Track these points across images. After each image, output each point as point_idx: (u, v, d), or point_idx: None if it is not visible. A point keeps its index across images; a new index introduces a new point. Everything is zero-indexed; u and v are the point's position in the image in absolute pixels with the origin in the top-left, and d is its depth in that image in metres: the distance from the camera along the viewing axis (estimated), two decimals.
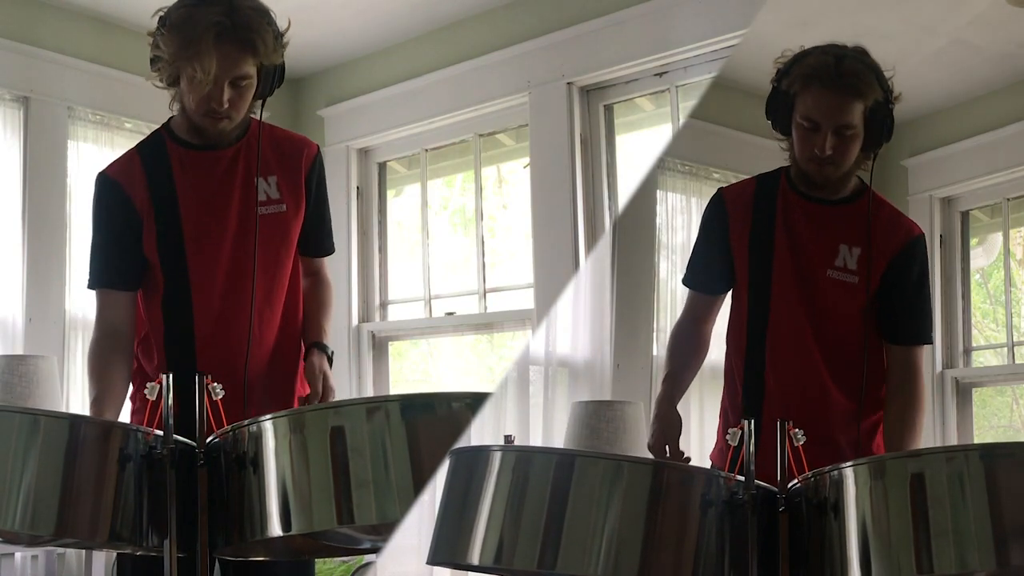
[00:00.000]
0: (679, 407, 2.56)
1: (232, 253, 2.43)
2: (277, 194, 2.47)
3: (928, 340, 2.50)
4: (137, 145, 2.51)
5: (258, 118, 2.47)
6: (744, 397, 2.49)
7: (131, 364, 2.46)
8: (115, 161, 2.51)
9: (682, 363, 2.62)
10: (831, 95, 2.37)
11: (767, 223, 2.49)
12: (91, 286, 2.48)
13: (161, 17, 2.35)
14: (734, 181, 3.35)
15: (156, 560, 2.11)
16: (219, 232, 2.43)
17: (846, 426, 2.42)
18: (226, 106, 2.34)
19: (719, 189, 2.60)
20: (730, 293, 2.59)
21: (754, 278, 2.49)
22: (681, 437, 2.58)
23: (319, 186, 2.58)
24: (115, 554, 2.49)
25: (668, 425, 2.50)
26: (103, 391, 2.39)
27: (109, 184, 2.45)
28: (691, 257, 2.67)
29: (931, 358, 3.95)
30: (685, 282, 2.67)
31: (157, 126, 2.53)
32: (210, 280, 2.43)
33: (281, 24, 2.42)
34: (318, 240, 2.61)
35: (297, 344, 2.56)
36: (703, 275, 2.63)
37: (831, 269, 2.44)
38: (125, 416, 2.48)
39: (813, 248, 2.46)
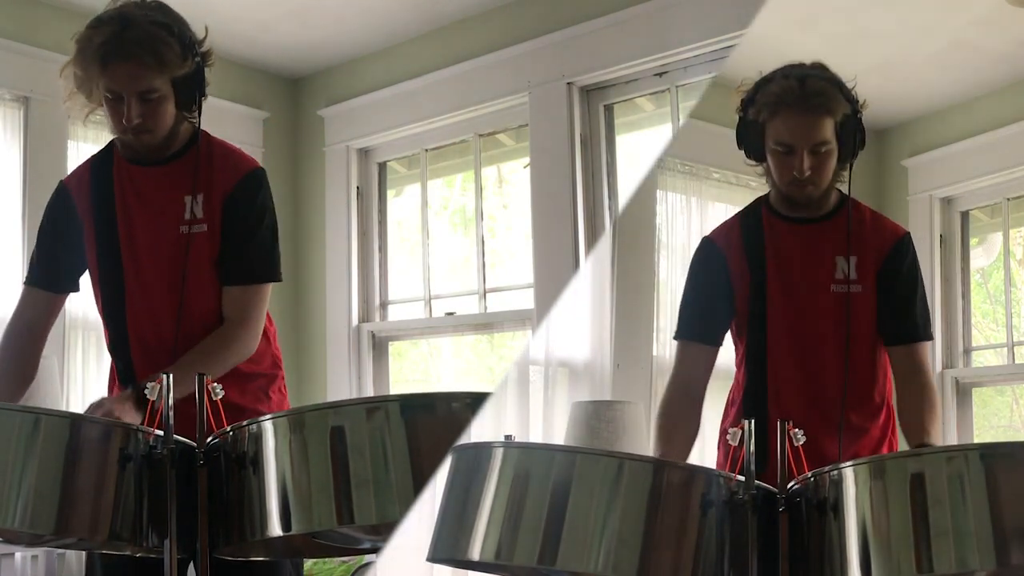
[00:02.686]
0: None
1: (155, 271, 2.45)
2: (201, 213, 2.44)
3: (928, 336, 2.49)
4: (92, 156, 2.57)
5: (200, 128, 2.47)
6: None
7: (35, 367, 2.52)
8: (74, 170, 2.59)
9: (673, 447, 2.48)
10: (801, 117, 2.38)
11: (758, 255, 2.49)
12: (27, 282, 2.56)
13: (75, 40, 2.43)
14: (734, 181, 3.36)
15: (124, 560, 2.12)
16: (146, 249, 2.46)
17: (852, 445, 2.41)
18: (137, 120, 2.37)
19: (705, 237, 2.57)
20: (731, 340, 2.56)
21: (752, 312, 2.49)
22: None
23: (241, 210, 2.46)
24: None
25: None
26: None
27: (61, 191, 2.54)
28: (686, 309, 2.58)
29: (931, 358, 3.95)
30: (682, 336, 2.56)
31: None
32: (137, 297, 2.46)
33: (200, 31, 2.43)
34: (227, 266, 2.46)
35: (258, 383, 2.52)
36: (705, 323, 2.55)
37: (834, 283, 2.44)
38: None
39: (810, 268, 2.47)
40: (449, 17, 4.86)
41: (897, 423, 2.49)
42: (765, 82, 2.44)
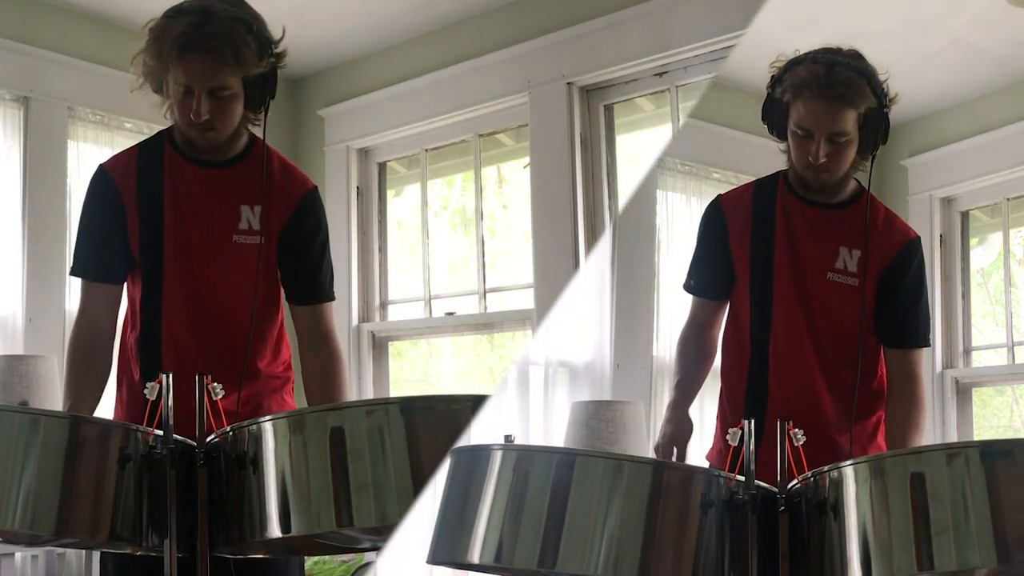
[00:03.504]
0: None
1: (201, 276, 2.42)
2: (258, 225, 2.42)
3: (924, 343, 2.50)
4: (140, 143, 2.52)
5: (262, 136, 2.45)
6: (746, 401, 2.49)
7: (109, 361, 2.48)
8: (115, 155, 2.52)
9: (691, 368, 2.64)
10: (823, 105, 2.37)
11: (767, 227, 2.50)
12: (73, 272, 2.51)
13: (149, 28, 2.36)
14: (734, 181, 3.37)
15: (138, 559, 2.12)
16: (194, 251, 2.42)
17: (846, 428, 2.42)
18: (205, 117, 2.33)
19: (718, 196, 2.61)
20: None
21: (755, 282, 2.50)
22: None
23: (309, 228, 2.49)
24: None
25: (679, 428, 2.54)
26: (78, 396, 2.41)
27: (103, 176, 2.46)
28: (692, 264, 2.67)
29: (931, 358, 3.95)
30: (687, 288, 2.66)
31: (157, 126, 2.54)
32: (179, 298, 2.42)
33: (276, 31, 2.39)
34: (301, 286, 2.50)
35: (273, 385, 2.51)
36: (706, 280, 2.63)
37: (831, 272, 2.45)
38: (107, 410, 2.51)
39: (813, 251, 2.47)
40: (449, 17, 4.86)
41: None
42: (795, 63, 2.42)
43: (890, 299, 2.45)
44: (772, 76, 2.46)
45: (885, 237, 2.47)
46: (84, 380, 2.45)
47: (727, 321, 2.58)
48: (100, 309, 2.47)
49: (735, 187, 2.65)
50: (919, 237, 2.51)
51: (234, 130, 2.40)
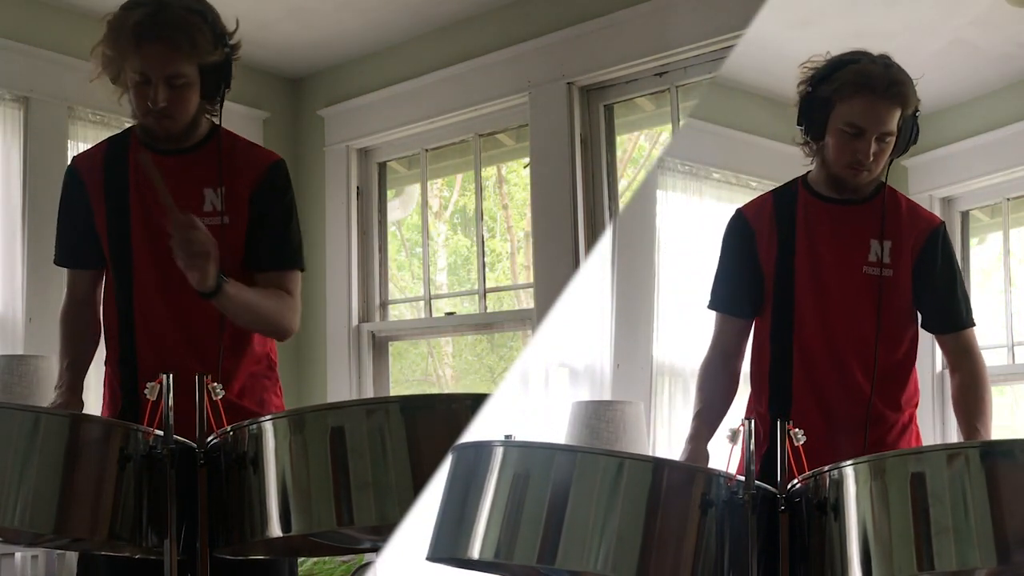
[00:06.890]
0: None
1: (171, 262, 2.38)
2: (222, 206, 2.43)
3: (970, 323, 2.52)
4: (110, 137, 2.56)
5: (219, 122, 2.46)
6: (770, 404, 2.49)
7: (98, 328, 2.53)
8: (86, 150, 2.57)
9: (713, 400, 2.55)
10: (881, 102, 2.39)
11: (790, 233, 2.50)
12: (56, 262, 2.56)
13: (107, 20, 2.39)
14: (734, 181, 3.36)
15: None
16: (163, 238, 2.39)
17: (876, 424, 2.43)
18: (162, 104, 2.35)
19: (738, 209, 2.58)
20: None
21: (779, 288, 2.50)
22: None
23: (272, 199, 2.47)
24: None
25: (697, 463, 2.50)
26: (74, 357, 2.49)
27: (72, 172, 2.52)
28: (716, 280, 2.60)
29: (930, 358, 3.95)
30: (711, 305, 2.60)
31: None
32: (150, 288, 2.44)
33: (230, 24, 2.42)
34: (265, 252, 2.46)
35: (250, 360, 2.50)
36: (732, 295, 2.57)
37: (866, 265, 2.46)
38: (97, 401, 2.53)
39: (843, 248, 2.47)
40: (449, 17, 4.87)
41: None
42: (846, 62, 2.43)
43: (929, 286, 2.47)
44: (812, 75, 2.45)
45: (911, 227, 2.49)
46: (78, 341, 2.51)
47: (755, 336, 2.55)
48: (81, 289, 2.53)
49: (754, 199, 2.62)
50: (944, 223, 2.53)
51: (191, 119, 2.43)
